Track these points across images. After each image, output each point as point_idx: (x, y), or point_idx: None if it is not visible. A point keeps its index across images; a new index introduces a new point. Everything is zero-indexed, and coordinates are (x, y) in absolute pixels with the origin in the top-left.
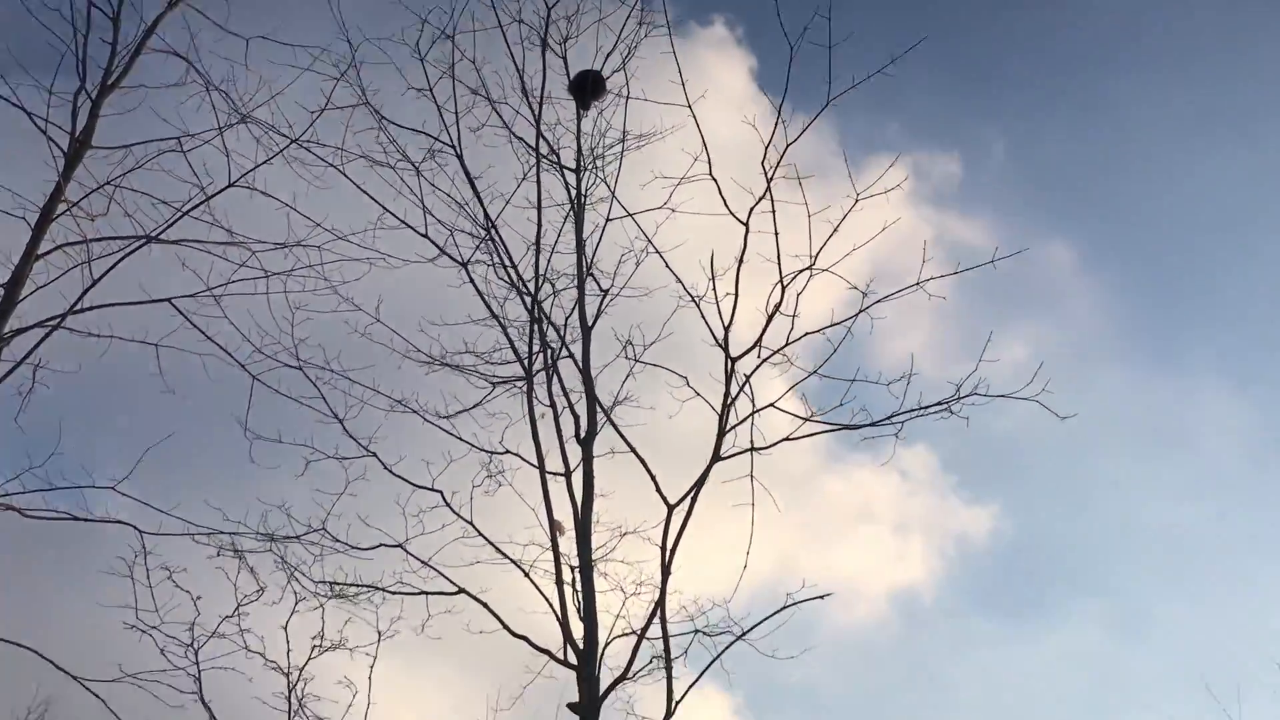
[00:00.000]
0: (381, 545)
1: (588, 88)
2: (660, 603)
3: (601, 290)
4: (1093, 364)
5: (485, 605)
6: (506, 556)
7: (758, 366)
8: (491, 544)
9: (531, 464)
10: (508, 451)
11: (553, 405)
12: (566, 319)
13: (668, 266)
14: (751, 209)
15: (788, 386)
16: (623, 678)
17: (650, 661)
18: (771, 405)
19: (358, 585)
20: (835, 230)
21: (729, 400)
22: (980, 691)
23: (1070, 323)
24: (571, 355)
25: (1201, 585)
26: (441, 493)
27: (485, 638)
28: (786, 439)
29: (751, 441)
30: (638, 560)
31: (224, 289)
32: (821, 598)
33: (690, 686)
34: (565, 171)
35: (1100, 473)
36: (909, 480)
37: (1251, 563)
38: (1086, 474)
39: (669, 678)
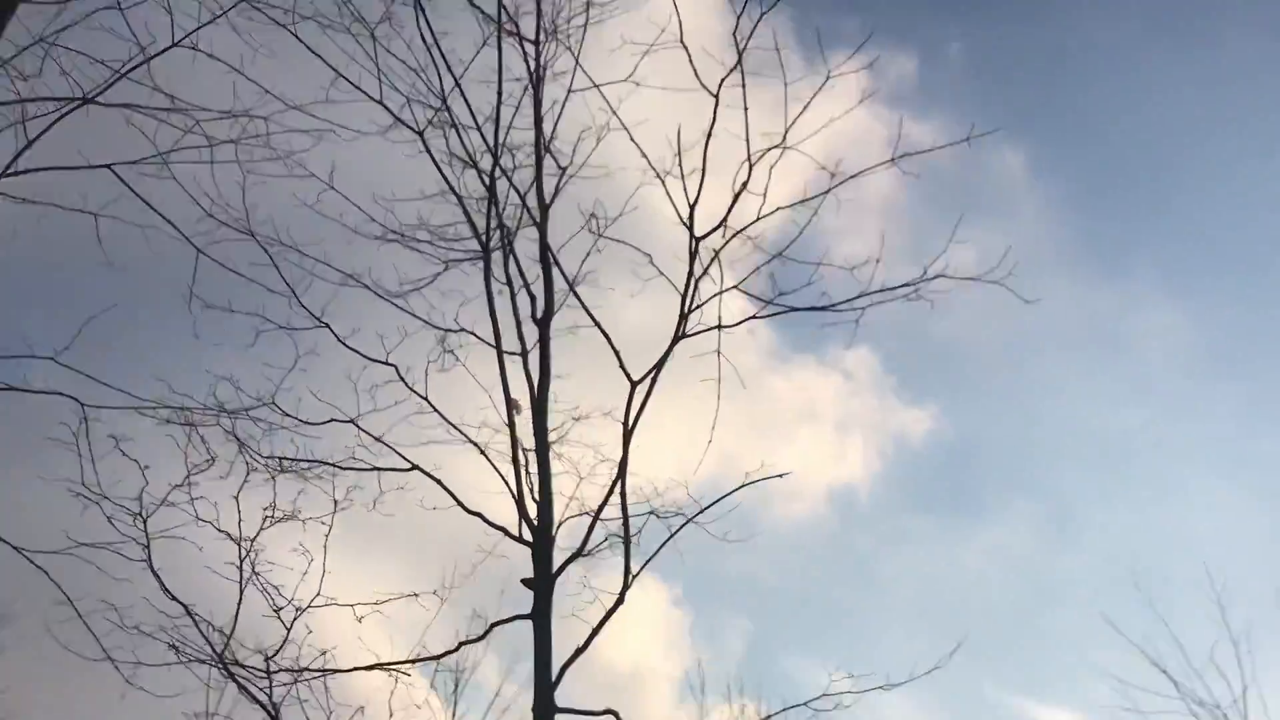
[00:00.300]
0: (333, 420)
1: None
2: (620, 477)
3: (560, 168)
4: (1037, 269)
5: (439, 482)
6: (462, 434)
7: (724, 245)
8: (447, 420)
9: (488, 343)
10: (463, 330)
11: (509, 284)
12: (524, 195)
13: (631, 139)
14: (722, 81)
15: (751, 269)
16: (578, 554)
17: (605, 539)
18: (736, 288)
19: (309, 460)
20: (806, 107)
21: (693, 279)
22: (913, 587)
23: (1017, 228)
24: (536, 222)
25: (1133, 488)
26: (395, 367)
27: (439, 516)
28: (753, 317)
29: (719, 318)
30: (593, 443)
31: (167, 157)
32: (780, 476)
33: (646, 563)
34: (524, 43)
35: (1039, 377)
36: (851, 381)
37: (1181, 467)
38: (1025, 378)
39: (627, 551)
